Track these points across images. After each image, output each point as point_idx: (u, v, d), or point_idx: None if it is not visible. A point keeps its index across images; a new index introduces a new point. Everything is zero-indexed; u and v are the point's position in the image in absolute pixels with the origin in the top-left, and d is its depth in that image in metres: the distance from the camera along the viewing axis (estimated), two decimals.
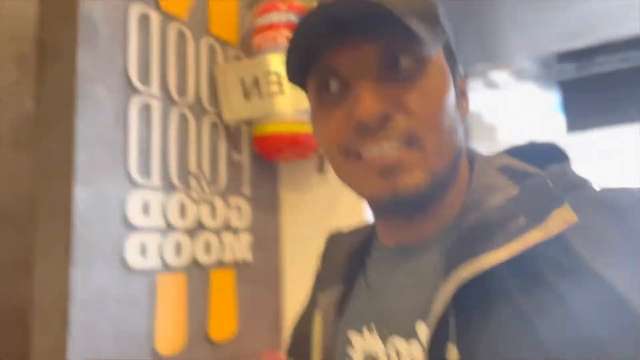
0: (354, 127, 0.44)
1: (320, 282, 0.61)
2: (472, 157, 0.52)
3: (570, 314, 0.37)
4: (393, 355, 0.46)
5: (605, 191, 0.45)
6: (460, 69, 0.52)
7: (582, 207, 0.41)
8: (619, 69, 3.08)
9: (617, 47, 2.87)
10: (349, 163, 0.46)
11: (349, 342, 0.51)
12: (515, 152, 0.52)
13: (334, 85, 0.46)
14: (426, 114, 0.44)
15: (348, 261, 0.57)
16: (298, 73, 0.49)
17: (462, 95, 0.51)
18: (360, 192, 0.48)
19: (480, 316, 0.40)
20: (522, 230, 0.40)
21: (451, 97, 0.47)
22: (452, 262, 0.41)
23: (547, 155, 0.50)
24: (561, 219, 0.40)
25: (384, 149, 0.43)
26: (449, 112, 0.45)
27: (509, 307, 0.39)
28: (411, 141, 0.43)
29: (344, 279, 0.56)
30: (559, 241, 0.40)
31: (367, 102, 0.42)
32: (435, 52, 0.46)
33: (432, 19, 0.45)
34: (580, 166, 0.49)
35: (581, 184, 0.47)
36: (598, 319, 0.36)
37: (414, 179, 0.43)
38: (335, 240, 0.64)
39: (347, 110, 0.45)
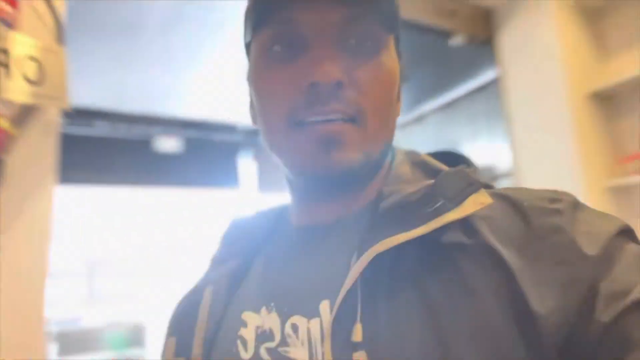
0: (306, 88, 0.42)
1: (216, 261, 0.57)
2: (393, 151, 0.52)
3: (473, 301, 0.38)
4: (289, 331, 0.44)
5: (509, 189, 0.46)
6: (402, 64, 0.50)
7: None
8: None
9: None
10: (290, 130, 0.44)
11: (243, 324, 0.48)
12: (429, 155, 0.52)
13: (290, 41, 0.44)
14: (375, 95, 0.44)
15: (248, 240, 0.55)
16: (250, 28, 0.47)
17: (399, 92, 0.51)
18: (293, 162, 0.46)
19: (387, 297, 0.40)
20: (439, 211, 0.40)
21: (396, 87, 0.47)
22: (367, 240, 0.41)
23: (454, 160, 0.52)
24: (477, 201, 0.41)
25: (329, 118, 0.42)
26: (393, 100, 0.46)
27: (414, 291, 0.40)
28: (356, 117, 0.43)
29: (241, 256, 0.54)
30: (468, 227, 0.42)
31: (327, 64, 0.41)
32: (389, 38, 0.46)
33: (392, 6, 0.46)
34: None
35: (488, 183, 0.50)
36: (496, 305, 0.37)
37: (350, 156, 0.43)
38: (236, 224, 0.60)
39: (301, 70, 0.43)
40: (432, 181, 0.44)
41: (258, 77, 0.47)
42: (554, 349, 0.36)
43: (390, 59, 0.46)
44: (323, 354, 0.40)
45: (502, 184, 1.91)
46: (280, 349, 0.44)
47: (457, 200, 0.41)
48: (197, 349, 0.49)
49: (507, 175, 2.23)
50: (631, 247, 0.39)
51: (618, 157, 1.90)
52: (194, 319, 0.51)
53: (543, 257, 0.39)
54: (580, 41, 1.92)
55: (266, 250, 0.54)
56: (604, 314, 0.35)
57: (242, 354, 0.46)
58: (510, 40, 2.08)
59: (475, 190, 0.42)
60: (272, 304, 0.47)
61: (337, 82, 0.41)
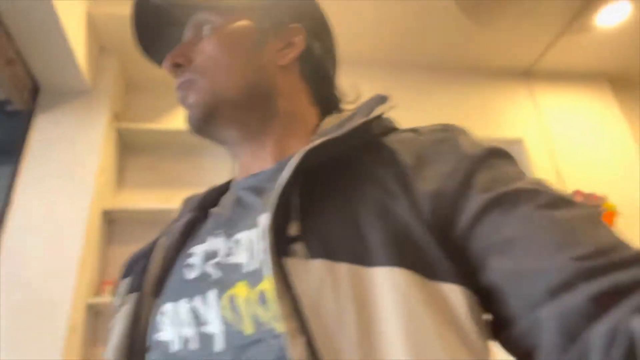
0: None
1: (171, 222, 0.66)
2: (324, 109, 0.65)
3: (379, 192, 0.47)
4: (232, 245, 0.50)
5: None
6: (290, 24, 0.64)
7: (416, 133, 0.53)
8: None
9: None
10: None
11: (190, 255, 0.54)
12: None
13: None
14: (201, 59, 0.59)
15: (201, 200, 0.65)
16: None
17: (288, 45, 0.63)
18: None
19: (319, 200, 0.47)
20: (355, 121, 0.51)
21: (233, 44, 0.60)
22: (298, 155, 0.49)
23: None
24: (382, 108, 0.53)
25: (178, 83, 0.60)
26: (225, 54, 0.60)
27: (339, 191, 0.48)
28: (193, 76, 0.59)
29: (195, 211, 0.63)
30: (390, 152, 0.50)
31: (166, 58, 0.60)
32: (220, 23, 0.61)
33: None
34: None
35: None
36: (395, 194, 0.46)
37: (194, 99, 0.58)
38: (189, 197, 0.71)
39: None
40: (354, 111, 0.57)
41: None
42: (436, 230, 0.43)
43: (221, 35, 0.60)
44: (264, 250, 0.42)
45: None
46: (223, 260, 0.49)
47: (368, 111, 0.53)
48: (149, 283, 0.55)
49: None
50: (506, 164, 0.48)
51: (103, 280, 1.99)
52: (146, 261, 0.57)
53: (430, 157, 0.48)
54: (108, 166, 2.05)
55: (216, 205, 0.63)
56: (473, 203, 0.43)
57: (188, 275, 0.51)
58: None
59: (383, 102, 0.54)
60: (218, 231, 0.54)
61: (172, 64, 0.60)
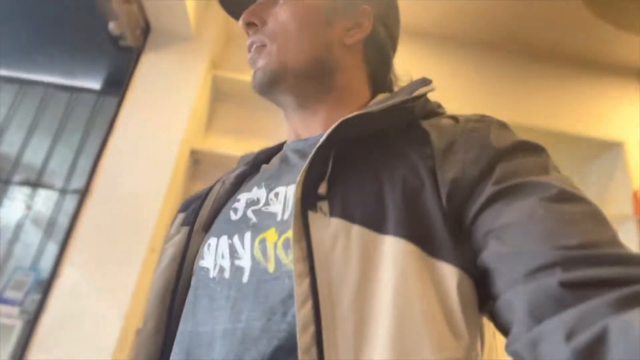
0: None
1: (227, 173, 0.72)
2: (377, 89, 0.68)
3: (406, 169, 0.50)
4: (272, 196, 0.57)
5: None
6: (362, 6, 0.65)
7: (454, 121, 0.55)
8: None
9: None
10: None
11: (237, 200, 0.61)
12: None
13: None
14: (274, 25, 0.63)
15: (255, 155, 0.71)
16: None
17: (356, 25, 0.64)
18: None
19: (351, 166, 0.52)
20: (396, 100, 0.54)
21: (306, 17, 0.63)
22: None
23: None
24: (424, 90, 0.56)
25: (250, 45, 0.64)
26: (304, 28, 0.62)
27: (369, 164, 0.52)
28: (266, 40, 0.62)
29: (248, 166, 0.70)
30: (425, 134, 0.53)
31: (244, 15, 0.64)
32: None
33: None
34: None
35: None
36: (420, 173, 0.49)
37: (262, 64, 0.62)
38: (245, 155, 0.76)
39: None
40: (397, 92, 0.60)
41: None
42: (451, 214, 0.46)
43: (294, 2, 0.63)
44: (293, 200, 0.48)
45: None
46: (262, 208, 0.56)
47: (410, 91, 0.56)
48: (200, 220, 0.64)
49: None
50: (531, 157, 0.49)
51: None
52: (202, 202, 0.65)
53: (459, 144, 0.51)
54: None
55: (267, 162, 0.68)
56: (484, 193, 0.46)
57: (232, 216, 0.59)
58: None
59: (425, 84, 0.57)
60: (263, 183, 0.60)
61: (246, 23, 0.64)
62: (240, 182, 0.68)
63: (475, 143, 0.50)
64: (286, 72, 0.61)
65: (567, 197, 0.43)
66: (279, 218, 0.53)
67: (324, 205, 0.48)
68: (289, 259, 0.47)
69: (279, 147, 0.71)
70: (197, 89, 2.10)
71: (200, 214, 0.64)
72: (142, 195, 1.86)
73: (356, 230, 0.46)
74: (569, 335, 0.33)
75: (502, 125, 0.53)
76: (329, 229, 0.46)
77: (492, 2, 2.33)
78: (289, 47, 0.62)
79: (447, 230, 0.46)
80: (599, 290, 0.35)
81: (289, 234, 0.48)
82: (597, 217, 0.42)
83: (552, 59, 2.63)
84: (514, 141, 0.50)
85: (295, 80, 0.62)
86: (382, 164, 0.52)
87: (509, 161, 0.48)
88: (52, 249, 2.31)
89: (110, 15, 2.01)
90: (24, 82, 2.68)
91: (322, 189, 0.49)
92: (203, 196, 0.66)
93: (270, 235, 0.52)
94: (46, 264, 2.23)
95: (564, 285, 0.36)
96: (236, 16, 0.69)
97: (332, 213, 0.48)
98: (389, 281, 0.43)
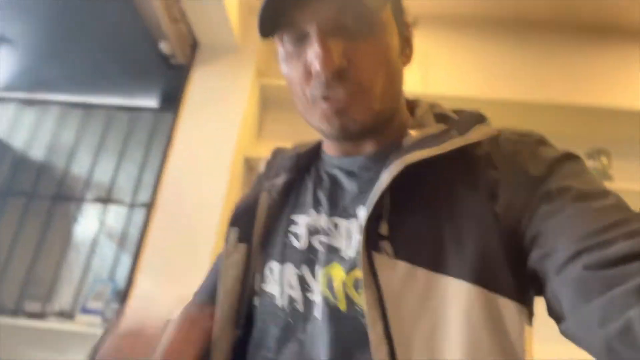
0: (315, 75, 0.52)
1: (266, 176, 0.69)
2: (412, 102, 0.64)
3: (467, 210, 0.50)
4: (332, 228, 0.57)
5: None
6: (406, 18, 0.60)
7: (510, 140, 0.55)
8: None
9: None
10: (310, 107, 0.56)
11: (293, 222, 0.61)
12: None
13: (297, 39, 0.54)
14: (374, 69, 0.53)
15: (294, 161, 0.67)
16: (270, 30, 0.56)
17: (407, 43, 0.60)
18: (319, 129, 0.58)
19: (408, 204, 0.52)
20: (451, 138, 0.52)
21: (395, 50, 0.56)
22: (396, 159, 0.51)
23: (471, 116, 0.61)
24: (481, 131, 0.54)
25: (339, 94, 0.52)
26: (393, 64, 0.56)
27: (430, 202, 0.52)
28: (361, 88, 0.53)
29: (290, 173, 0.66)
30: (476, 163, 0.53)
31: (326, 58, 0.50)
32: (382, 13, 0.54)
33: None
34: None
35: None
36: (480, 204, 0.50)
37: (361, 117, 0.54)
38: (279, 151, 0.73)
39: (306, 60, 0.53)
40: (447, 124, 0.57)
41: (284, 72, 0.58)
42: (507, 235, 0.49)
43: (384, 31, 0.55)
44: (359, 242, 0.50)
45: None
46: (325, 240, 0.56)
47: (465, 130, 0.54)
48: (256, 238, 0.62)
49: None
50: (569, 164, 0.51)
51: None
52: (253, 215, 0.63)
53: (510, 166, 0.52)
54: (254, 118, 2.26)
55: (314, 171, 0.66)
56: (537, 207, 0.48)
57: (295, 243, 0.59)
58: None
59: (482, 122, 0.56)
60: (320, 208, 0.60)
61: (335, 70, 0.51)
62: (286, 192, 0.65)
63: (516, 170, 0.52)
64: (379, 119, 0.56)
65: (595, 195, 0.46)
66: (342, 253, 0.54)
67: (387, 246, 0.49)
68: (361, 299, 0.49)
69: (316, 149, 0.68)
70: (246, 98, 2.17)
71: (254, 231, 0.62)
72: (203, 204, 1.95)
73: (421, 272, 0.48)
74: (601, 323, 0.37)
75: (540, 142, 0.55)
76: (396, 271, 0.48)
77: None
78: (385, 93, 0.55)
79: (506, 261, 0.48)
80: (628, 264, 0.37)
81: (357, 273, 0.50)
82: (623, 206, 0.45)
83: (577, 30, 2.49)
84: (550, 162, 0.51)
85: (383, 124, 0.58)
86: (439, 199, 0.52)
87: (547, 183, 0.50)
88: (126, 260, 2.46)
89: (160, 36, 2.12)
90: (88, 107, 2.87)
91: (384, 230, 0.50)
92: (251, 208, 0.64)
93: (337, 271, 0.53)
94: (121, 274, 2.39)
95: (585, 268, 0.39)
96: (269, 34, 0.57)
97: (397, 255, 0.49)
98: (457, 322, 0.45)
